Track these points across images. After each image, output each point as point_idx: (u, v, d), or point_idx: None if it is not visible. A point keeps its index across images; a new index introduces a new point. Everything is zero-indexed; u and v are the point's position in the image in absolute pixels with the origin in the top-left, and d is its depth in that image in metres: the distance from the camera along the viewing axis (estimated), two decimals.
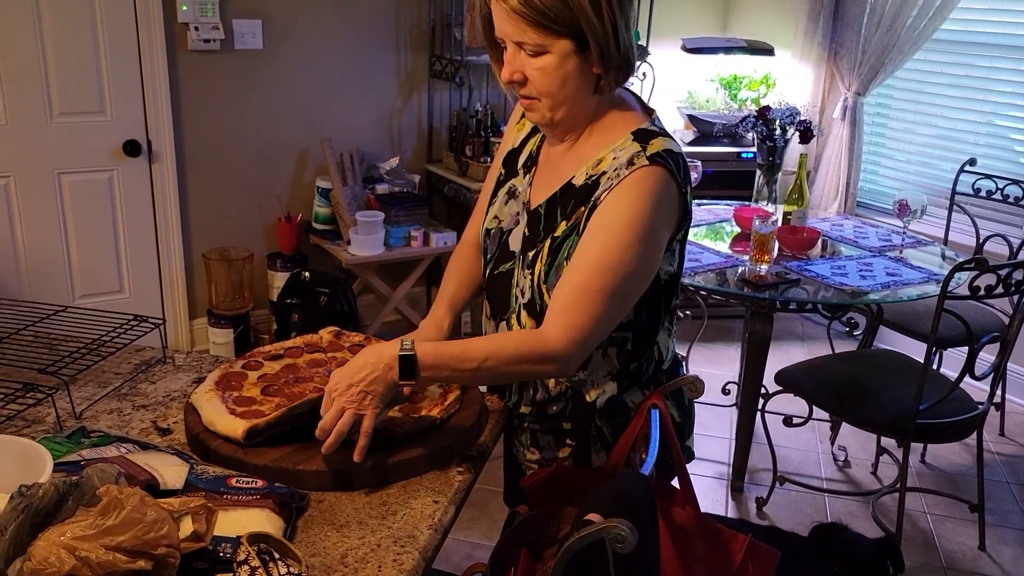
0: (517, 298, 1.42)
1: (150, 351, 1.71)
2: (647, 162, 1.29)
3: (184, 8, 3.37)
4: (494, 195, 1.51)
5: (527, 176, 1.47)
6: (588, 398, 1.42)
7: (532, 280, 1.37)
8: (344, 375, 1.26)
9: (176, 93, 3.47)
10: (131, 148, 3.40)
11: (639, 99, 1.44)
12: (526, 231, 1.42)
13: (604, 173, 1.32)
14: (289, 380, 1.48)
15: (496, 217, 1.48)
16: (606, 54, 1.27)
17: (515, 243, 1.44)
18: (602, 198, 1.30)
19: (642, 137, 1.34)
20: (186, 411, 1.40)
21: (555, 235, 1.35)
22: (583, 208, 1.33)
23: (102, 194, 3.42)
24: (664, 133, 1.36)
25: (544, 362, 1.29)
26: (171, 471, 1.19)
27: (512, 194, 1.47)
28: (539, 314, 1.37)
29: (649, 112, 1.41)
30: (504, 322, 1.45)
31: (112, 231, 3.48)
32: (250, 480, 1.20)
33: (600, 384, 1.42)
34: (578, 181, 1.36)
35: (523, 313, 1.40)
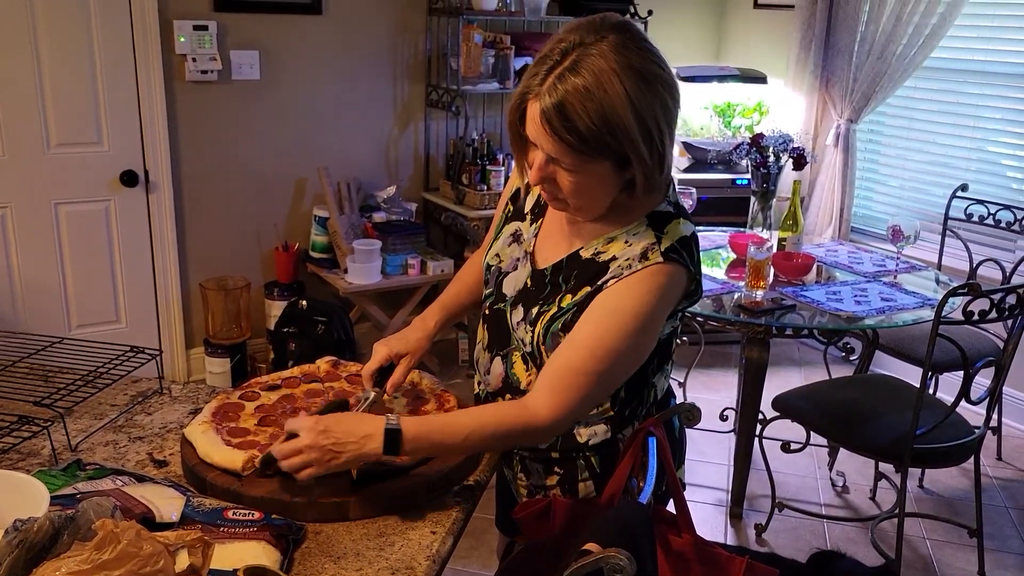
0: (517, 342, 1.42)
1: (147, 382, 1.71)
2: (661, 259, 1.28)
3: (182, 40, 3.41)
4: (500, 230, 1.52)
5: (533, 225, 1.46)
6: (579, 439, 1.42)
7: (533, 337, 1.37)
8: (321, 424, 1.24)
9: (173, 123, 3.49)
10: (128, 178, 3.42)
11: None
12: (528, 283, 1.41)
13: (615, 259, 1.32)
14: (286, 411, 1.48)
15: (497, 255, 1.49)
16: (650, 179, 1.26)
17: (509, 288, 1.44)
18: (609, 284, 1.30)
19: (657, 223, 1.32)
20: (182, 443, 1.39)
21: (562, 305, 1.35)
22: (588, 288, 1.33)
23: (99, 224, 3.43)
24: (679, 212, 1.35)
25: (528, 435, 1.33)
26: (167, 504, 1.19)
27: (516, 238, 1.47)
28: (538, 365, 1.38)
29: (667, 184, 1.38)
30: (500, 357, 1.45)
31: (109, 261, 3.49)
32: (247, 512, 1.20)
33: (592, 426, 1.42)
34: (585, 253, 1.36)
35: (529, 360, 1.41)
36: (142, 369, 1.66)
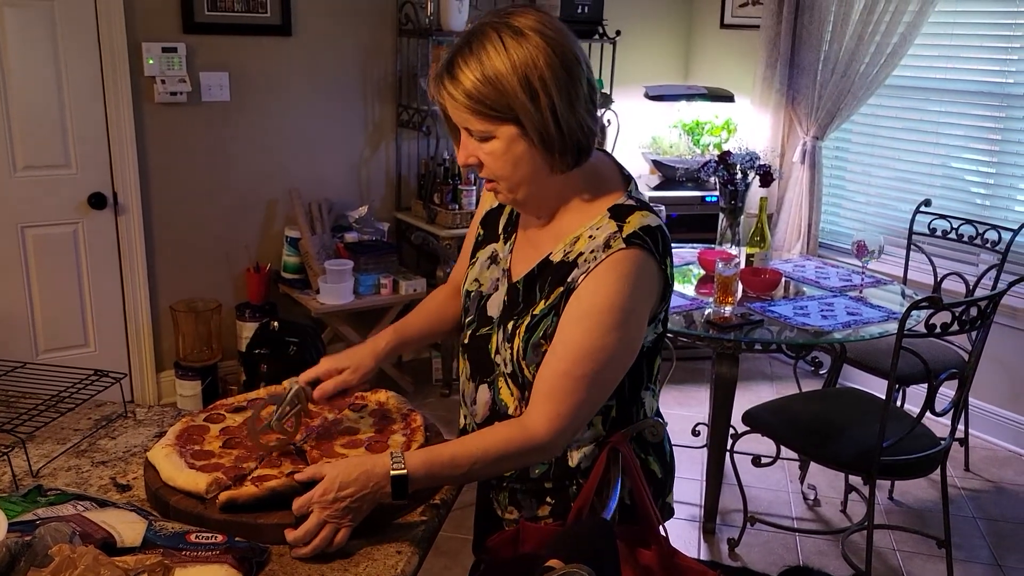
0: (499, 365, 1.40)
1: (111, 406, 1.69)
2: (623, 244, 1.28)
3: (150, 61, 3.40)
4: (474, 256, 1.51)
5: (507, 243, 1.46)
6: (571, 463, 1.41)
7: (512, 354, 1.36)
8: (331, 487, 1.23)
9: (143, 145, 3.48)
10: (96, 201, 3.40)
11: (618, 164, 1.43)
12: (505, 299, 1.41)
13: (581, 254, 1.32)
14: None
15: (476, 280, 1.48)
16: (546, 138, 1.26)
17: (493, 309, 1.43)
18: (579, 281, 1.30)
19: (618, 214, 1.33)
20: (145, 467, 1.38)
21: (534, 313, 1.34)
22: (560, 288, 1.33)
23: (67, 247, 3.41)
24: (641, 206, 1.35)
25: (532, 453, 1.31)
26: (129, 528, 1.18)
27: (494, 259, 1.47)
28: (522, 384, 1.37)
29: (627, 180, 1.40)
30: (486, 385, 1.43)
31: (77, 285, 3.46)
32: (210, 535, 1.19)
33: (583, 448, 1.40)
34: (555, 258, 1.36)
35: (509, 382, 1.40)
36: (107, 393, 1.65)
